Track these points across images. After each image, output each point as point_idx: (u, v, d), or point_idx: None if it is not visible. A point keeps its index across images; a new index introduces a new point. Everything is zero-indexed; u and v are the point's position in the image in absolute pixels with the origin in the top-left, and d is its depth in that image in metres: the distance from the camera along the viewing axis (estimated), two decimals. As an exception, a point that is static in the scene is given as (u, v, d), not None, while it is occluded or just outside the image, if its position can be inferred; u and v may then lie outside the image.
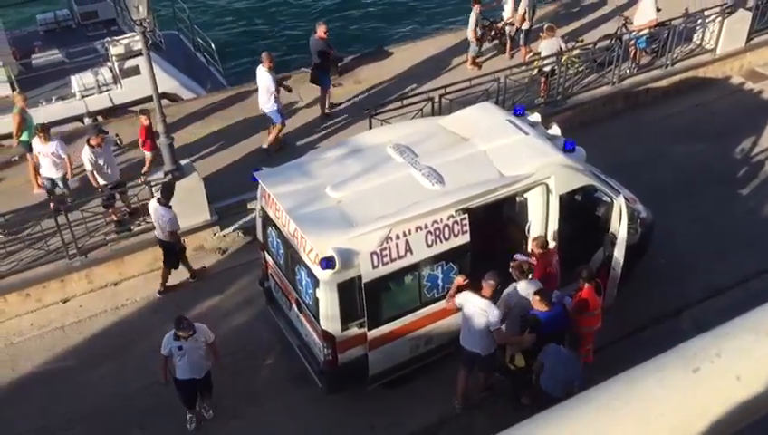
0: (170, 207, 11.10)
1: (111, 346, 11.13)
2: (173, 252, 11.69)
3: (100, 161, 11.91)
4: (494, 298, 9.02)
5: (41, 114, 14.52)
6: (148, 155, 13.16)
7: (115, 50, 14.87)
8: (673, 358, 1.59)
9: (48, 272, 11.80)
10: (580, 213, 10.81)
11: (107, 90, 15.19)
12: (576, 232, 10.55)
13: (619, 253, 10.16)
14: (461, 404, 9.86)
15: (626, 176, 11.81)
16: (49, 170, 12.21)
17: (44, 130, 12.08)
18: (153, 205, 11.27)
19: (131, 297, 11.97)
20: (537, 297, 8.93)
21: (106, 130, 12.64)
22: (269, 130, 14.18)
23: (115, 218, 12.35)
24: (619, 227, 10.11)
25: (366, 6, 24.22)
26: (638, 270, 11.14)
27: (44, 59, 16.03)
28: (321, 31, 14.71)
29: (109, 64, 15.26)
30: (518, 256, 9.54)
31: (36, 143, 12.10)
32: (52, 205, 11.80)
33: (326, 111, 15.06)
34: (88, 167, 11.94)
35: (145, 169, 13.20)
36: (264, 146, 14.11)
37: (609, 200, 10.45)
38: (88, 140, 11.90)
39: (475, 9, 15.93)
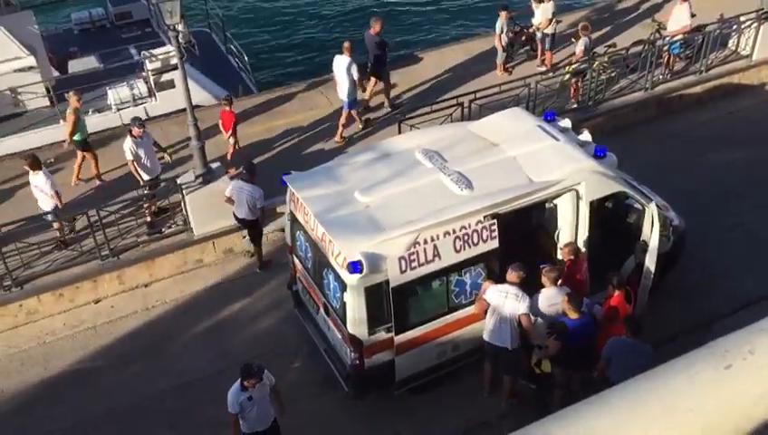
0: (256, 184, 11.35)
1: (141, 347, 11.28)
2: (259, 229, 12.03)
3: (140, 152, 12.24)
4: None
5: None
6: (230, 141, 13.70)
7: (151, 65, 15.11)
8: (704, 355, 1.56)
9: (81, 273, 11.99)
10: (611, 220, 10.69)
11: (142, 103, 15.44)
12: (607, 239, 10.42)
13: (650, 261, 10.02)
14: (505, 399, 9.76)
15: (658, 183, 11.64)
16: (41, 203, 11.93)
17: (33, 162, 11.68)
18: (237, 184, 11.46)
19: (161, 299, 12.11)
20: (566, 300, 8.83)
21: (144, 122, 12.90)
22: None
23: (148, 218, 12.51)
24: (651, 234, 9.97)
25: (396, 13, 24.27)
26: (669, 279, 10.96)
27: (81, 66, 16.32)
28: (376, 26, 14.93)
29: (144, 76, 15.50)
30: (543, 265, 9.46)
31: (30, 175, 11.83)
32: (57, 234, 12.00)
33: (392, 103, 15.37)
34: (129, 156, 12.28)
35: (229, 155, 13.81)
36: (337, 139, 14.43)
37: (640, 207, 10.33)
38: (130, 131, 12.29)
39: (502, 16, 15.85)
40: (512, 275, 8.95)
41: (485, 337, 9.29)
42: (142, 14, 18.06)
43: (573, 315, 8.80)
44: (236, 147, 13.80)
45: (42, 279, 11.83)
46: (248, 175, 11.51)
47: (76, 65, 16.38)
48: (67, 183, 13.26)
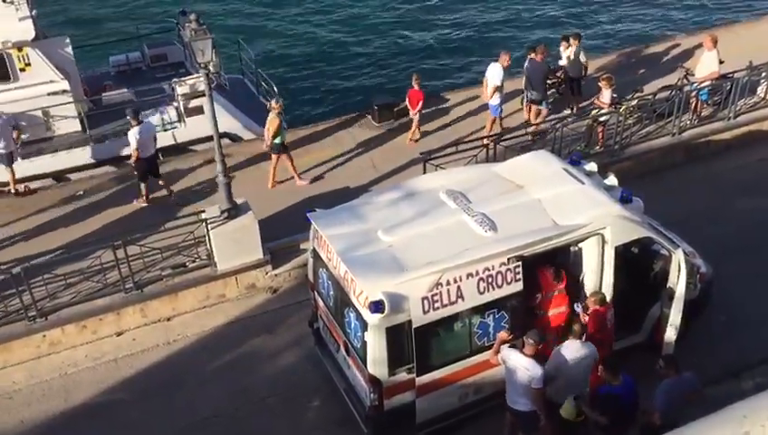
0: None
1: (162, 381, 11.27)
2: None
3: (143, 137, 13.54)
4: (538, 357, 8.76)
5: (106, 150, 15.06)
6: (415, 118, 15.19)
7: (181, 90, 15.39)
8: (722, 419, 1.51)
9: (105, 305, 12.07)
10: (637, 266, 10.55)
11: (171, 128, 15.68)
12: (632, 285, 10.28)
13: (676, 309, 9.86)
14: None
15: (685, 229, 11.50)
16: None
17: None
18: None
19: (183, 333, 12.13)
20: (604, 369, 8.61)
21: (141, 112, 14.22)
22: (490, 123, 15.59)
23: (144, 203, 13.80)
24: (678, 281, 9.84)
25: (423, 51, 24.56)
26: (696, 327, 10.75)
27: (114, 97, 16.70)
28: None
29: (174, 104, 15.76)
30: (577, 308, 9.33)
31: None
32: None
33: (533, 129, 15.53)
34: (134, 145, 13.52)
35: (411, 134, 15.39)
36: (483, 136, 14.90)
37: (667, 254, 10.18)
38: (131, 123, 13.64)
39: (529, 57, 15.95)
40: (527, 347, 8.65)
41: (506, 398, 9.11)
42: (177, 57, 18.49)
43: (615, 382, 8.60)
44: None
45: (66, 310, 11.92)
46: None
47: (110, 97, 16.76)
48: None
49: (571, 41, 16.19)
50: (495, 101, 15.31)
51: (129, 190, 14.56)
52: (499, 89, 15.19)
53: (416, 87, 15.40)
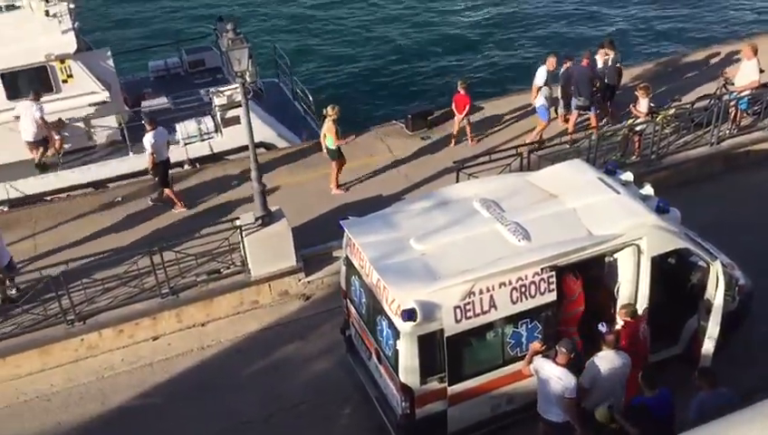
0: None
1: (196, 386, 11.40)
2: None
3: (158, 142, 13.82)
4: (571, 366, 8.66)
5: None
6: (459, 120, 15.61)
7: (218, 101, 15.62)
8: (751, 415, 1.48)
9: (141, 309, 12.26)
10: (674, 277, 10.39)
11: (208, 138, 15.91)
12: (668, 297, 10.12)
13: (714, 321, 9.68)
14: None
15: (724, 241, 11.28)
16: None
17: None
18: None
19: (217, 338, 12.26)
20: (641, 377, 8.49)
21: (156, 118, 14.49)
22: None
23: (183, 208, 14.09)
24: (716, 293, 9.67)
25: (458, 60, 24.55)
26: (734, 340, 10.53)
27: (153, 106, 17.01)
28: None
29: (212, 114, 16.00)
30: (601, 327, 9.19)
31: None
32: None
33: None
34: (149, 149, 13.76)
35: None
36: (528, 141, 15.11)
37: (704, 265, 10.01)
38: (145, 127, 14.04)
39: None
40: (559, 356, 8.56)
41: (538, 409, 9.02)
42: (214, 63, 18.78)
43: (650, 393, 8.48)
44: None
45: (104, 314, 12.13)
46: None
47: (148, 104, 17.09)
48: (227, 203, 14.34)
49: (607, 48, 16.05)
50: (539, 102, 15.41)
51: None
52: (542, 90, 15.27)
53: (462, 92, 15.53)
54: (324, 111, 14.28)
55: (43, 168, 15.17)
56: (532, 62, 23.72)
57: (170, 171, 14.60)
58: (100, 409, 11.15)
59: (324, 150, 14.51)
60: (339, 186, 14.72)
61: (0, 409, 11.27)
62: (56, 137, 15.16)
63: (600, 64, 16.20)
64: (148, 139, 13.86)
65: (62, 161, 15.21)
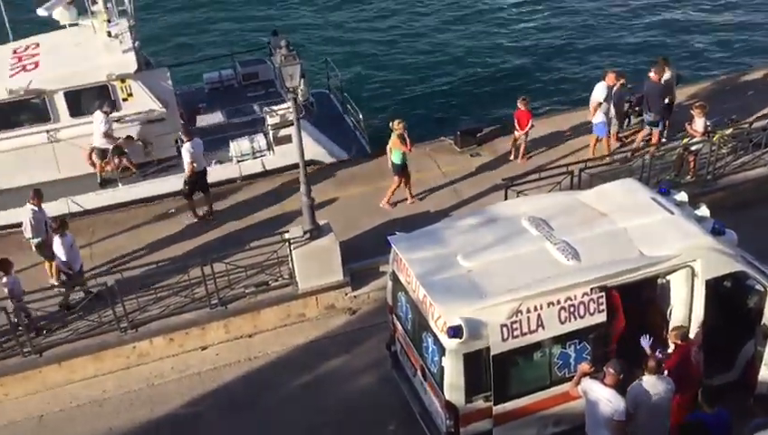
0: None
1: (242, 396, 11.53)
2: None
3: (196, 151, 14.33)
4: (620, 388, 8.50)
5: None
6: (519, 136, 15.64)
7: (271, 120, 15.90)
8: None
9: (191, 319, 12.49)
10: (730, 301, 10.10)
11: (260, 156, 16.17)
12: (724, 321, 9.85)
13: (772, 347, 9.38)
14: None
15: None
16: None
17: (62, 224, 12.37)
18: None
19: (264, 350, 12.39)
20: (700, 393, 8.33)
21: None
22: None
23: (195, 219, 14.55)
24: (774, 318, 9.36)
25: (510, 78, 24.43)
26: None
27: (207, 121, 17.39)
28: (657, 72, 15.33)
29: (264, 132, 16.27)
30: (643, 342, 8.98)
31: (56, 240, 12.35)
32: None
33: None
34: (188, 159, 14.22)
35: (521, 157, 15.72)
36: (589, 155, 15.24)
37: (762, 289, 9.71)
38: (181, 139, 14.67)
39: (619, 83, 15.68)
40: (608, 377, 8.41)
41: (587, 432, 8.86)
42: (267, 75, 19.11)
43: (708, 410, 8.26)
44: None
45: (155, 323, 12.39)
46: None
47: (203, 120, 17.47)
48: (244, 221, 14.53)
49: (661, 65, 15.77)
50: (598, 118, 15.25)
51: (217, 210, 15.06)
52: (602, 106, 15.10)
53: (522, 108, 15.52)
54: (390, 125, 14.44)
55: (103, 183, 15.66)
56: (583, 79, 23.59)
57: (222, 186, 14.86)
58: (150, 415, 11.37)
59: (389, 164, 14.66)
60: (389, 201, 14.80)
61: (55, 413, 11.60)
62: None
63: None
64: (186, 148, 14.31)
65: (120, 177, 15.65)
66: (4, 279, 11.78)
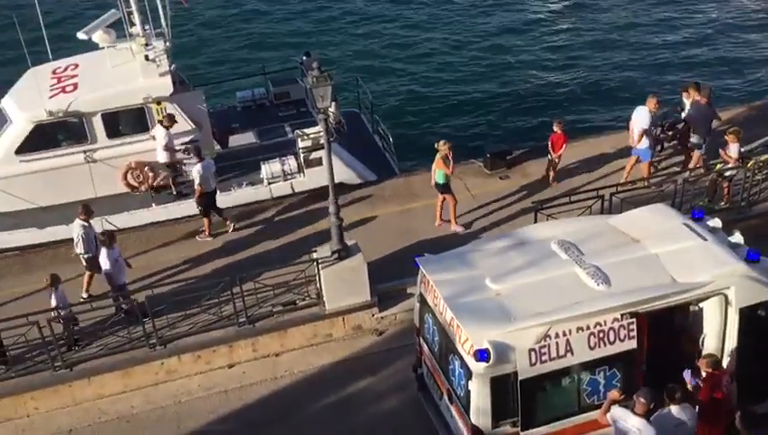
0: None
1: (268, 416, 11.54)
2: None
3: (206, 173, 14.53)
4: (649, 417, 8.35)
5: (231, 198, 15.88)
6: (554, 158, 15.64)
7: (302, 143, 16.06)
8: None
9: (219, 337, 12.56)
10: (765, 330, 9.87)
11: (291, 178, 16.32)
12: (759, 351, 9.62)
13: (808, 378, 9.14)
14: None
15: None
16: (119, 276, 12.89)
17: (111, 237, 12.75)
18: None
19: (290, 369, 12.41)
20: (738, 419, 8.21)
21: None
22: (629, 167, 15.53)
23: (208, 238, 14.87)
24: (810, 348, 9.13)
25: (541, 100, 24.41)
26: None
27: (240, 141, 17.62)
28: (704, 96, 15.25)
29: (295, 154, 16.43)
30: (686, 376, 8.85)
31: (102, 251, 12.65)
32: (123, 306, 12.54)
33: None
34: (197, 180, 14.45)
35: (552, 179, 15.77)
36: (624, 178, 15.12)
37: (798, 318, 9.49)
38: (193, 159, 14.83)
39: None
40: (638, 406, 8.29)
41: None
42: (299, 95, 19.34)
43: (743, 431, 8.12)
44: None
45: (183, 340, 12.49)
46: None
47: (236, 140, 17.71)
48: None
49: (691, 91, 15.62)
50: (644, 144, 15.05)
51: (246, 229, 15.19)
52: (647, 132, 14.97)
53: (558, 131, 15.55)
54: (436, 146, 14.51)
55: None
56: (613, 103, 23.49)
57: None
58: (176, 432, 11.44)
59: (432, 184, 14.70)
60: (445, 220, 14.80)
61: (83, 427, 11.73)
62: (150, 174, 15.87)
63: (687, 107, 15.78)
64: (196, 170, 14.50)
65: (153, 196, 15.88)
66: (52, 293, 12.02)
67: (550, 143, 15.68)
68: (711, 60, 26.01)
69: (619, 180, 14.93)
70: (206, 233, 15.05)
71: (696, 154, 15.36)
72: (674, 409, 8.50)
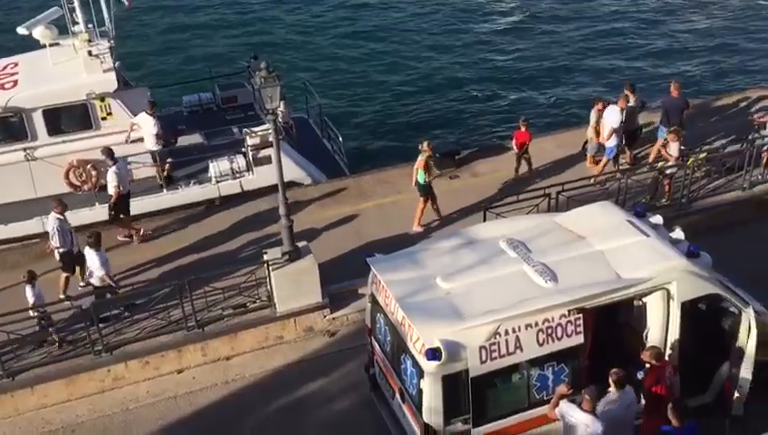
0: None
1: (219, 421, 11.38)
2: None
3: (122, 174, 14.26)
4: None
5: (178, 197, 15.61)
6: (518, 155, 15.97)
7: (251, 141, 15.92)
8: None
9: (168, 342, 12.34)
10: (704, 323, 10.19)
11: (240, 176, 16.17)
12: (699, 343, 9.93)
13: (746, 369, 9.50)
14: None
15: (756, 287, 11.03)
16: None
17: (97, 238, 12.51)
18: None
19: (241, 373, 12.26)
20: (671, 407, 8.45)
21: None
22: (593, 160, 16.12)
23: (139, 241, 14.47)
24: (748, 341, 9.47)
25: (489, 97, 24.75)
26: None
27: (187, 142, 17.36)
28: (676, 88, 15.99)
29: (244, 152, 16.26)
30: (640, 376, 9.09)
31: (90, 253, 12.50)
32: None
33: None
34: (114, 182, 14.08)
35: (524, 170, 16.03)
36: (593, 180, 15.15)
37: (736, 311, 9.83)
38: (108, 163, 14.32)
39: (596, 107, 15.93)
40: (585, 402, 8.47)
41: None
42: (247, 99, 19.15)
43: (678, 424, 8.34)
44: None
45: (130, 346, 12.23)
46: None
47: (183, 141, 17.44)
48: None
49: (626, 91, 16.00)
50: (612, 142, 15.51)
51: (197, 231, 14.98)
52: (616, 131, 15.34)
53: (523, 129, 15.91)
54: (420, 147, 14.51)
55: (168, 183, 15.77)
56: (564, 102, 23.97)
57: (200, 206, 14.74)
58: (123, 441, 11.19)
59: (413, 183, 14.67)
60: (420, 224, 14.76)
61: (26, 438, 11.38)
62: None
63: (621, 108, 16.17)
64: (112, 171, 14.21)
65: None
66: (28, 289, 11.74)
67: (514, 140, 16.02)
68: (655, 60, 26.78)
69: (566, 179, 15.18)
70: (136, 232, 14.72)
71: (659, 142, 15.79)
72: (615, 393, 8.72)
